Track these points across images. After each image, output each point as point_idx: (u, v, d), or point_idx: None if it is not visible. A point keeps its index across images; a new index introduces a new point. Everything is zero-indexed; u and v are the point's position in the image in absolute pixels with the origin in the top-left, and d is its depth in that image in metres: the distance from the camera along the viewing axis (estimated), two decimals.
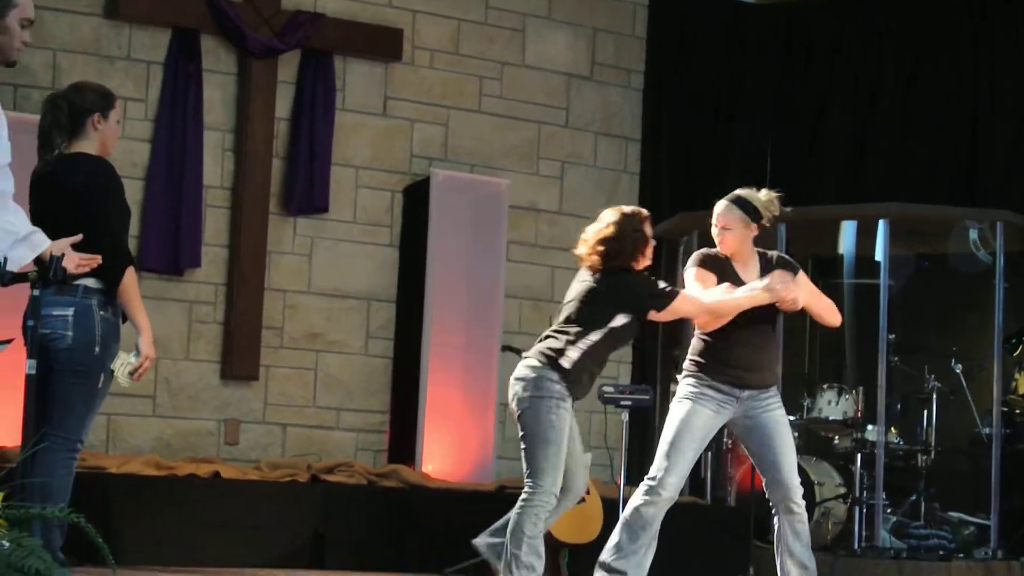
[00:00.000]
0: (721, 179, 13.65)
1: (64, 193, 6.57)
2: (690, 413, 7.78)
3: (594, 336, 7.69)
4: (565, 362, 7.67)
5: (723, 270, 8.15)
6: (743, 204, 8.48)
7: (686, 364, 8.13)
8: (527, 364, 7.75)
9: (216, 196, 11.46)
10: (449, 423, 11.72)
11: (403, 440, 11.77)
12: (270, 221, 11.54)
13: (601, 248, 7.93)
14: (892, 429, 11.94)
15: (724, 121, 13.82)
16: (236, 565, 9.45)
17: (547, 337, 7.81)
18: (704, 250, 8.50)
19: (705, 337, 8.11)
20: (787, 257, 8.73)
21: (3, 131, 5.89)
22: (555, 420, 7.70)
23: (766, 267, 8.33)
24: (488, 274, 12.05)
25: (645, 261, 8.05)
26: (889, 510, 11.56)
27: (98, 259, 6.07)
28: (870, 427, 11.84)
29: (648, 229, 8.05)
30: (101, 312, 6.73)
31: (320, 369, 11.83)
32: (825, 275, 13.62)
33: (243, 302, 11.35)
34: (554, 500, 7.80)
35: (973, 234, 12.24)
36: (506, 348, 11.59)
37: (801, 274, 8.44)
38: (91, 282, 6.70)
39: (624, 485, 10.22)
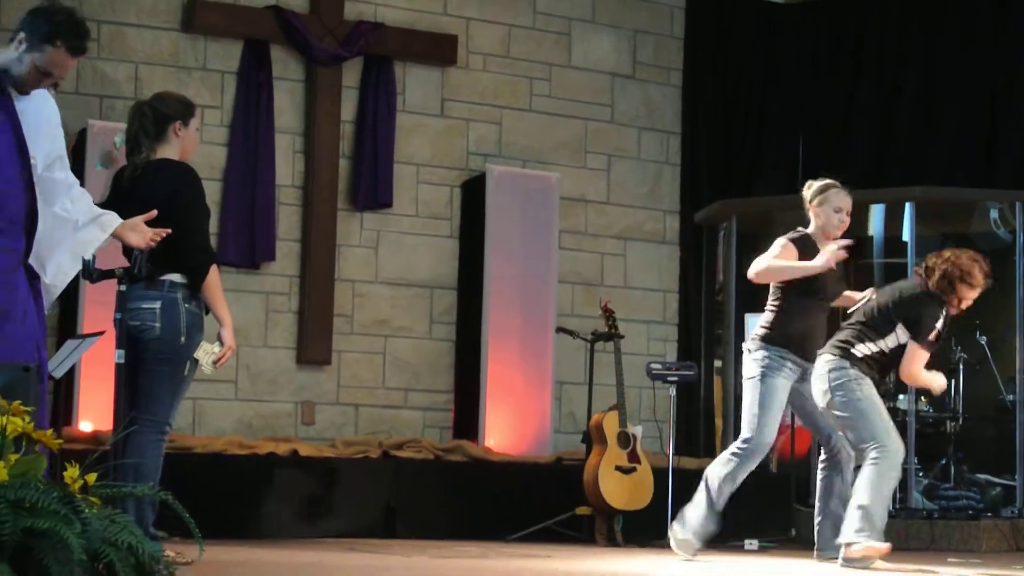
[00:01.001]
0: (756, 168, 13.67)
1: (152, 196, 6.58)
2: (774, 383, 8.20)
3: None
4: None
5: (810, 250, 8.45)
6: None
7: (757, 343, 8.29)
8: None
9: (288, 194, 11.48)
10: (509, 400, 11.72)
11: (466, 417, 11.78)
12: (339, 216, 11.56)
13: None
14: (922, 398, 11.88)
15: (757, 114, 13.77)
16: (314, 536, 9.48)
17: None
18: (793, 232, 8.76)
19: (778, 310, 8.40)
20: None
21: (58, 126, 5.87)
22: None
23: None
24: (541, 261, 12.04)
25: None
26: (921, 473, 11.50)
27: (167, 231, 6.05)
28: (901, 397, 11.78)
29: None
30: (186, 305, 6.77)
31: (388, 353, 11.84)
32: (856, 255, 13.54)
33: (315, 292, 11.37)
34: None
35: (994, 214, 12.18)
36: (560, 330, 11.59)
37: None
38: (176, 277, 6.74)
39: (672, 455, 10.22)
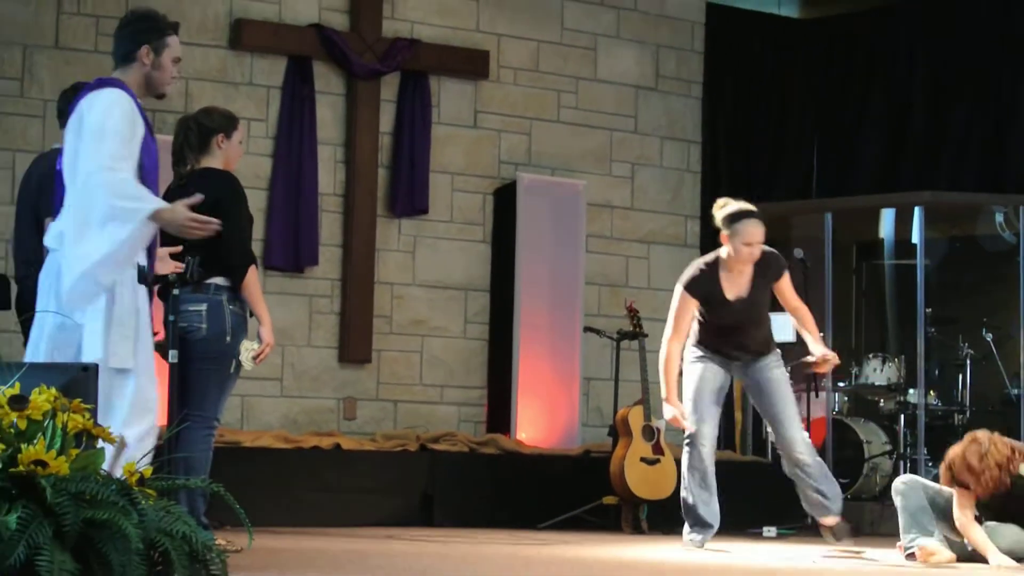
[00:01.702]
0: (772, 175, 13.66)
1: (196, 204, 6.60)
2: (703, 371, 8.07)
3: None
4: None
5: (710, 292, 8.23)
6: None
7: (691, 341, 8.30)
8: None
9: (330, 202, 11.50)
10: (539, 396, 11.72)
11: (499, 412, 11.78)
12: (378, 223, 11.57)
13: None
14: (931, 392, 11.89)
15: (774, 124, 13.76)
16: (355, 524, 9.50)
17: None
18: (696, 269, 8.49)
19: (703, 322, 8.29)
20: (776, 256, 8.62)
21: (134, 145, 5.85)
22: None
23: (758, 269, 8.30)
24: (569, 264, 12.04)
25: None
26: (930, 464, 11.47)
27: (216, 222, 6.05)
28: (911, 391, 11.79)
29: None
30: (230, 307, 6.80)
31: (425, 351, 11.85)
32: (868, 257, 13.58)
33: (356, 294, 11.38)
34: None
35: (999, 217, 12.18)
36: (587, 329, 11.60)
37: (784, 277, 8.48)
38: (220, 280, 6.77)
39: None
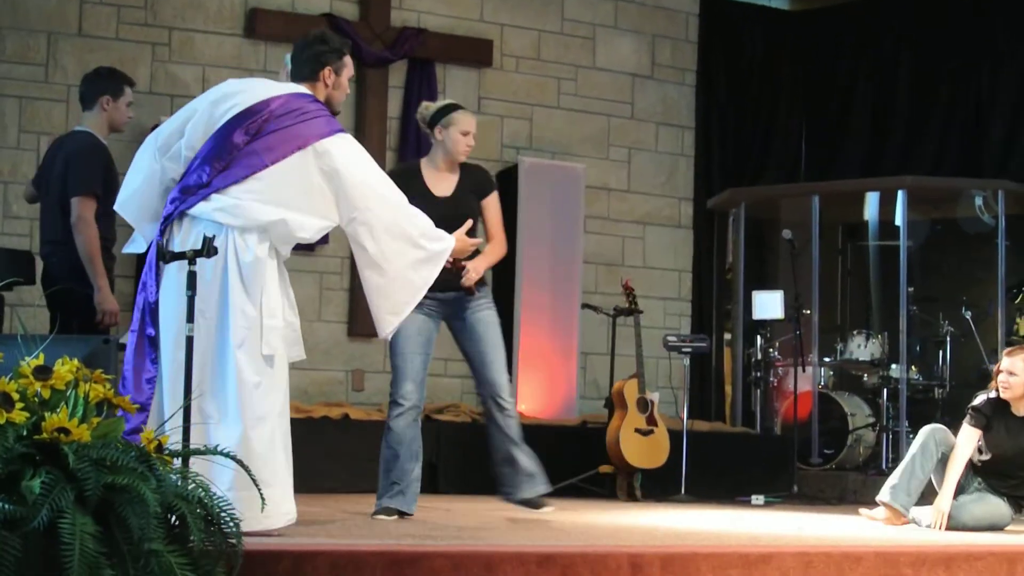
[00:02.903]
0: (763, 159, 13.67)
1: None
2: (404, 324, 6.58)
3: None
4: None
5: (409, 184, 6.84)
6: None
7: None
8: None
9: None
10: (539, 369, 11.73)
11: None
12: None
13: None
14: (913, 367, 11.90)
15: (765, 110, 13.76)
16: (363, 490, 9.50)
17: None
18: (395, 166, 8.08)
19: None
20: (484, 170, 8.03)
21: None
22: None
23: (464, 176, 7.59)
24: (568, 244, 12.05)
25: None
26: (911, 435, 11.47)
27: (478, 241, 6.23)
28: (894, 366, 11.79)
29: None
30: None
31: None
32: (853, 238, 13.58)
33: None
34: None
35: (978, 200, 12.18)
36: (585, 306, 11.61)
37: (493, 196, 7.73)
38: None
39: (686, 419, 10.25)
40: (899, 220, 12.14)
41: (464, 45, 12.10)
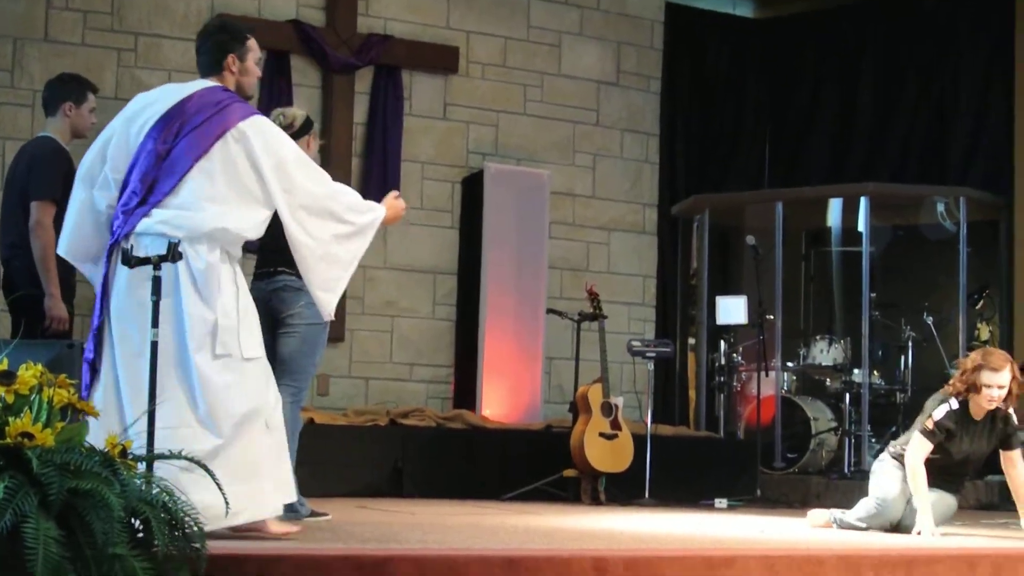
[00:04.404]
0: (727, 166, 13.71)
1: None
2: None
3: None
4: None
5: None
6: None
7: None
8: None
9: None
10: (503, 374, 11.74)
11: (465, 389, 11.81)
12: None
13: None
14: (875, 372, 11.94)
15: (729, 118, 13.81)
16: (328, 495, 9.50)
17: None
18: None
19: None
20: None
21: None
22: None
23: None
24: (533, 249, 12.06)
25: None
26: (873, 439, 11.55)
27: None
28: (856, 371, 11.83)
29: None
30: None
31: (395, 331, 11.87)
32: (816, 244, 13.64)
33: None
34: None
35: (940, 207, 12.24)
36: (550, 311, 11.63)
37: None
38: None
39: (650, 423, 10.27)
40: (862, 226, 12.18)
41: (430, 52, 12.10)
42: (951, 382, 7.58)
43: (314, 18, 11.70)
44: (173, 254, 5.18)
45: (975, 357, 7.51)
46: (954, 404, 7.50)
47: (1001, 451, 7.66)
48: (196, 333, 5.52)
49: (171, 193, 5.59)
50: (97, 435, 4.52)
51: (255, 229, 5.78)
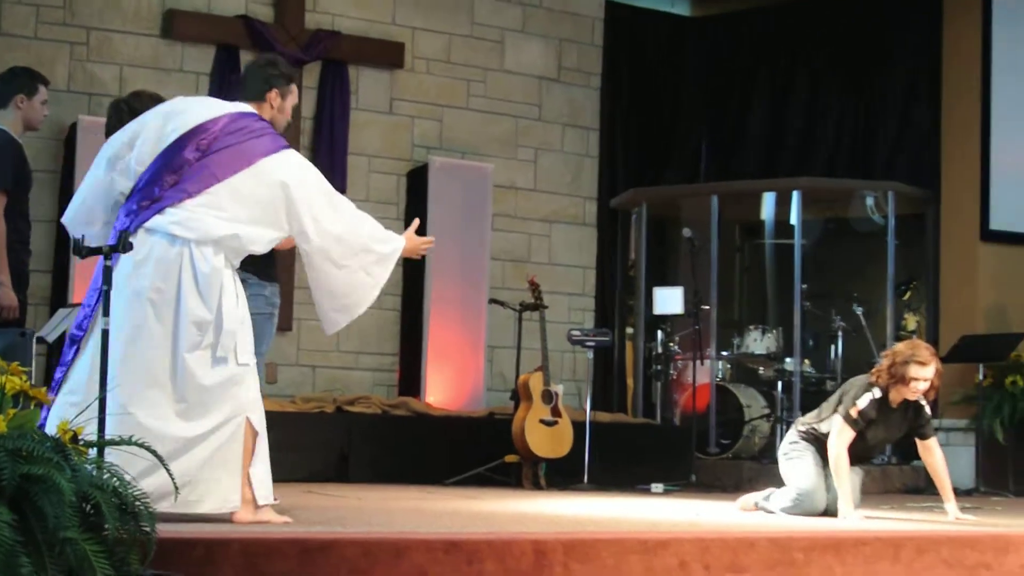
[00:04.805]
0: (664, 161, 13.74)
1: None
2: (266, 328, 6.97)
3: None
4: None
5: None
6: None
7: None
8: None
9: None
10: (447, 362, 11.75)
11: (410, 377, 11.81)
12: None
13: None
14: (806, 361, 12.00)
15: (667, 113, 13.84)
16: (276, 480, 9.43)
17: None
18: None
19: None
20: None
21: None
22: None
23: None
24: (477, 241, 12.07)
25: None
26: None
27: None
28: (788, 359, 11.89)
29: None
30: None
31: None
32: (750, 237, 13.69)
33: (279, 267, 11.33)
34: None
35: (869, 201, 12.30)
36: (492, 301, 11.63)
37: None
38: None
39: (589, 410, 10.29)
40: (794, 219, 12.24)
41: (376, 47, 12.09)
42: (877, 371, 7.62)
43: (263, 14, 11.66)
44: (124, 244, 5.17)
45: (903, 350, 7.55)
46: (877, 393, 7.56)
47: (918, 440, 7.75)
48: (191, 331, 5.60)
49: (191, 197, 5.67)
50: (69, 412, 4.59)
51: (263, 245, 5.90)
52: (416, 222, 6.47)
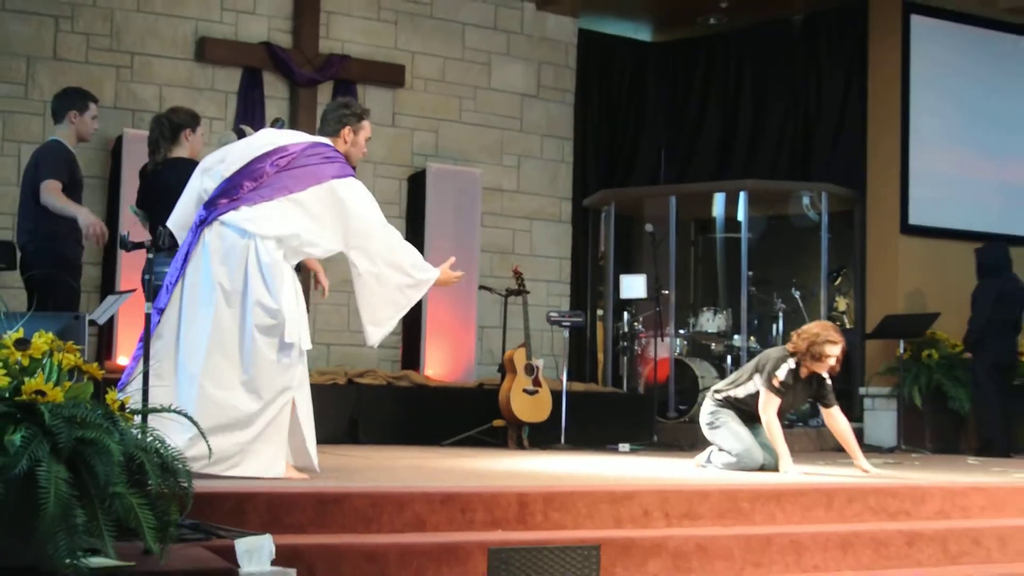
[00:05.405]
0: (630, 166, 13.74)
1: (167, 186, 6.59)
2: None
3: None
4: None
5: None
6: None
7: None
8: None
9: None
10: (443, 340, 11.74)
11: (411, 353, 11.80)
12: None
13: None
14: (752, 337, 12.03)
15: (632, 125, 13.84)
16: None
17: None
18: None
19: None
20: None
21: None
22: None
23: None
24: (468, 236, 12.05)
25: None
26: None
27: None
28: (736, 336, 11.92)
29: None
30: None
31: (351, 305, 11.78)
32: (703, 231, 13.70)
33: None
34: None
35: (806, 200, 12.32)
36: (482, 287, 11.64)
37: None
38: None
39: (565, 381, 10.30)
40: (741, 216, 12.26)
41: (381, 69, 12.06)
42: (794, 344, 7.60)
43: (283, 40, 11.64)
44: (163, 240, 5.21)
45: (819, 331, 7.53)
46: (792, 364, 7.56)
47: (822, 408, 7.74)
48: (257, 313, 5.68)
49: (266, 201, 5.79)
50: (152, 382, 4.69)
51: (321, 251, 5.98)
52: (452, 259, 6.50)
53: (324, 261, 6.48)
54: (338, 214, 5.88)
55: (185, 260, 5.75)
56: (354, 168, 6.20)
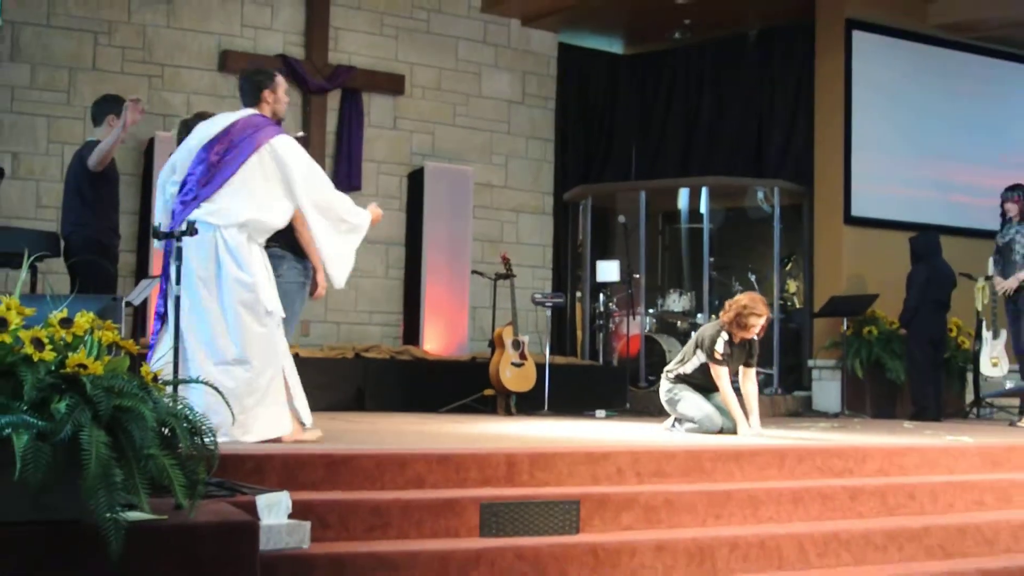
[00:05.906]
0: (604, 164, 13.73)
1: None
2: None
3: None
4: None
5: None
6: None
7: None
8: None
9: None
10: (440, 319, 11.74)
11: (411, 330, 11.80)
12: None
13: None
14: (713, 316, 12.03)
15: (606, 128, 13.83)
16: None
17: None
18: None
19: None
20: None
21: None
22: None
23: None
24: (462, 226, 12.04)
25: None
26: None
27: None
28: (699, 315, 11.93)
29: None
30: None
31: (359, 288, 11.83)
32: (670, 222, 13.69)
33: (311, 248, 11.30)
34: None
35: (760, 195, 12.33)
36: (474, 272, 11.64)
37: None
38: None
39: (548, 355, 10.30)
40: (703, 209, 12.26)
41: (383, 78, 12.03)
42: (723, 317, 7.58)
43: (296, 53, 11.60)
44: (191, 230, 5.21)
45: (747, 303, 7.49)
46: (726, 336, 7.54)
47: (741, 367, 7.69)
48: (236, 289, 5.65)
49: (218, 191, 5.72)
50: (159, 363, 4.68)
51: (281, 218, 5.89)
52: (374, 204, 6.48)
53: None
54: (278, 167, 5.80)
55: (167, 256, 5.72)
56: (281, 120, 6.12)
